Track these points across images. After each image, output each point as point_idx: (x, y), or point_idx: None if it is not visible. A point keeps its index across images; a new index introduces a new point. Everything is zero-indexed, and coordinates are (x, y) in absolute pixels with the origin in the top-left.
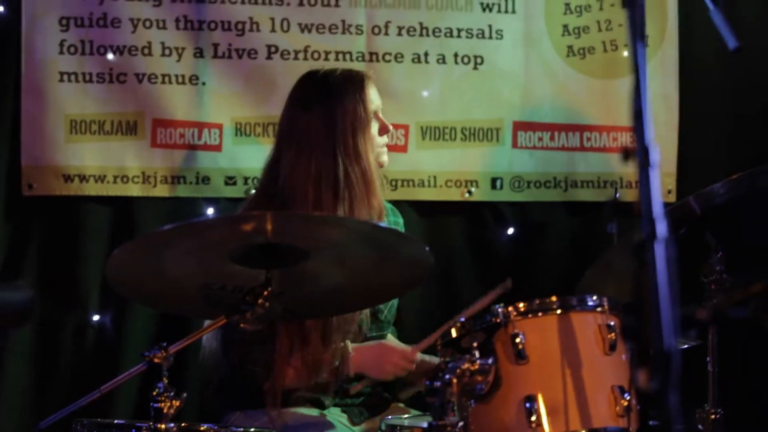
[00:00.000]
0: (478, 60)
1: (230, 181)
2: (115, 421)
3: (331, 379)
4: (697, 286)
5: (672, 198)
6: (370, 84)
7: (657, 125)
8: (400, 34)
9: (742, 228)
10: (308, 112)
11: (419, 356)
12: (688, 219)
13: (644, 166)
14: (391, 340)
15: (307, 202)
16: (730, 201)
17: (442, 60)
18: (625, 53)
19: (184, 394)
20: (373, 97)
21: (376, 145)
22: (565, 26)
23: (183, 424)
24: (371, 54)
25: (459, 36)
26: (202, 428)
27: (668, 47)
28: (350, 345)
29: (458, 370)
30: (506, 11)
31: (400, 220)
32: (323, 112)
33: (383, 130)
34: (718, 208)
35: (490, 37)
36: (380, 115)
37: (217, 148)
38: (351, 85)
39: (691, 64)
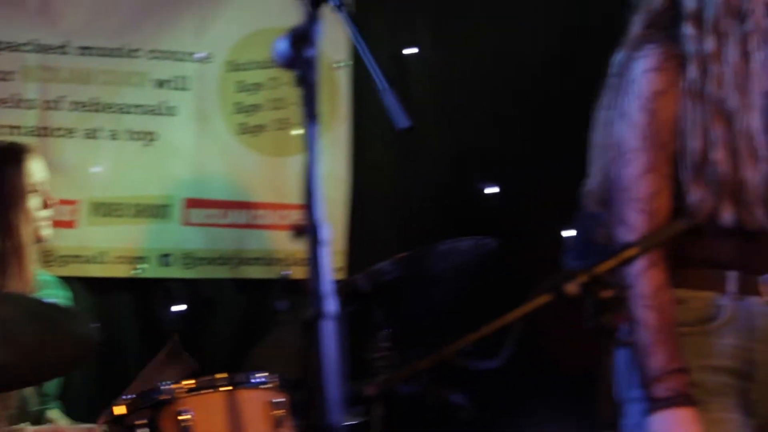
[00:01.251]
0: (151, 136)
1: None
2: None
3: None
4: (366, 362)
5: (342, 275)
6: (30, 157)
7: (327, 203)
8: (73, 109)
9: (409, 305)
10: None
11: None
12: (356, 296)
13: (314, 243)
14: (62, 418)
15: None
16: (398, 279)
17: (114, 136)
18: (296, 131)
19: None
20: (34, 170)
21: (35, 218)
22: (238, 104)
23: None
24: (43, 129)
25: (132, 112)
26: None
27: (339, 126)
28: (29, 429)
29: None
30: (180, 88)
31: (61, 293)
32: None
33: (46, 204)
34: (386, 285)
35: (163, 114)
36: (43, 189)
37: None
38: (8, 158)
39: (362, 143)
